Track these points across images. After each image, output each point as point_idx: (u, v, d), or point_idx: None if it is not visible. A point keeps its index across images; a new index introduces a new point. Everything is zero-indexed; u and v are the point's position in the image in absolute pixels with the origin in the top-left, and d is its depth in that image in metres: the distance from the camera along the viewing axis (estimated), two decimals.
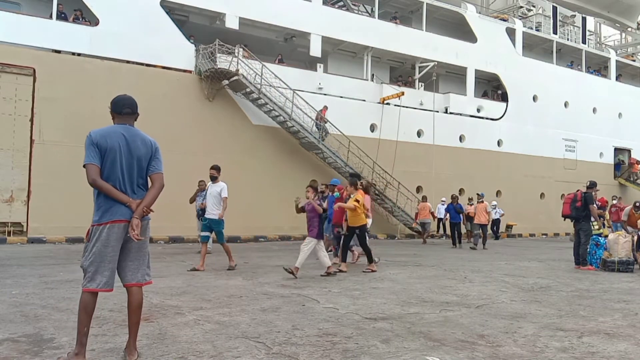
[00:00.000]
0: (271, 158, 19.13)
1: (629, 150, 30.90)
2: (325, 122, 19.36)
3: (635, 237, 11.10)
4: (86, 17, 17.09)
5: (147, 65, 17.41)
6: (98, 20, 16.80)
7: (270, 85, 18.41)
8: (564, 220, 11.73)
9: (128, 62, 17.20)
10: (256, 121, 19.01)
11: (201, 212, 12.83)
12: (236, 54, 18.04)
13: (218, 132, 18.17)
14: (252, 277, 8.52)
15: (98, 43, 16.63)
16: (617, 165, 30.43)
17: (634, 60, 34.33)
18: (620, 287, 8.33)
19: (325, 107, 19.69)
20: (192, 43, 18.33)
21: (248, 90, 18.03)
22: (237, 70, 17.75)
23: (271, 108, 18.28)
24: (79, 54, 16.69)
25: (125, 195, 3.75)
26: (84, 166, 3.68)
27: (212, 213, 9.70)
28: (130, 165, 3.81)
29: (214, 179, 9.93)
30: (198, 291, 7.03)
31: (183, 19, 19.20)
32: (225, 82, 18.05)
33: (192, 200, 13.35)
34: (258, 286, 7.60)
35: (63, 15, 16.63)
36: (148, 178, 3.93)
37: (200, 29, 19.26)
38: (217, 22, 19.21)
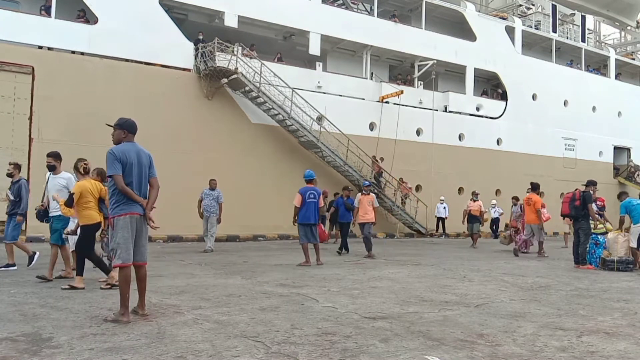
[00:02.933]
0: (270, 157, 19.12)
1: (628, 149, 30.92)
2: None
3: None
4: (86, 16, 17.07)
5: (146, 63, 17.40)
6: (97, 18, 16.77)
7: (269, 84, 18.41)
8: (563, 219, 11.67)
9: (127, 60, 17.19)
10: (255, 120, 19.00)
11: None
12: (235, 53, 18.03)
13: (217, 130, 18.15)
14: (251, 277, 8.51)
15: (97, 41, 16.61)
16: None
17: (634, 59, 34.32)
18: (620, 286, 8.33)
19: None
20: (200, 40, 18.27)
21: (247, 88, 18.01)
22: (236, 68, 17.73)
23: (270, 107, 18.27)
24: (79, 53, 16.67)
25: (139, 197, 5.15)
26: (110, 176, 5.04)
27: (55, 209, 7.78)
28: (140, 173, 5.19)
29: (52, 169, 7.92)
30: (197, 290, 7.01)
31: (182, 17, 19.17)
32: (224, 80, 18.03)
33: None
34: (257, 285, 7.59)
35: (48, 8, 16.33)
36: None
37: (199, 27, 19.23)
38: (216, 20, 19.18)
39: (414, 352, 4.20)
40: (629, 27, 36.89)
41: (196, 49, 18.12)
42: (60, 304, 5.92)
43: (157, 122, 16.51)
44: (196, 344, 4.30)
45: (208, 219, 13.07)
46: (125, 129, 5.23)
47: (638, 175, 30.37)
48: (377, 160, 20.34)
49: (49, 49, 16.30)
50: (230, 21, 18.78)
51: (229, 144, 18.33)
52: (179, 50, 17.95)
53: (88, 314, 5.43)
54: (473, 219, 17.14)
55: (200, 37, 18.39)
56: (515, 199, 16.14)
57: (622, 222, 10.94)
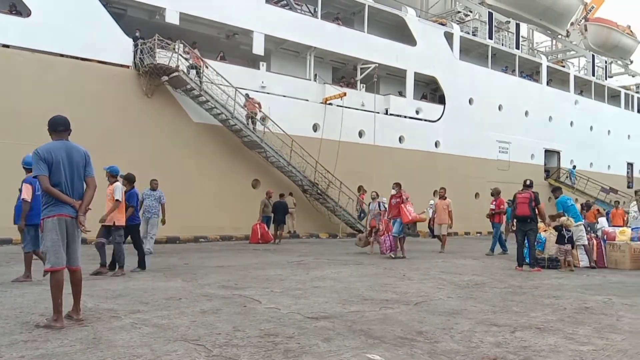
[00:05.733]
0: (212, 156, 18.83)
1: (558, 152, 32.56)
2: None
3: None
4: (18, 8, 16.23)
5: (82, 59, 16.73)
6: (30, 11, 15.98)
7: (212, 83, 18.13)
8: (517, 221, 10.92)
9: (62, 55, 16.46)
10: (197, 119, 18.65)
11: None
12: (176, 50, 17.65)
13: (157, 129, 17.69)
14: (192, 279, 8.36)
15: (30, 35, 15.81)
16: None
17: (564, 66, 36.19)
18: (550, 283, 8.76)
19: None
20: (138, 37, 17.72)
21: (189, 87, 17.67)
22: (177, 66, 17.37)
23: (213, 106, 18.00)
24: (7, 46, 15.80)
25: (70, 197, 4.90)
26: (36, 177, 4.87)
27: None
28: (71, 173, 4.94)
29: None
30: (135, 294, 6.82)
31: (121, 12, 18.56)
32: (165, 78, 17.61)
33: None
34: (198, 288, 7.46)
35: None
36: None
37: (139, 23, 18.70)
38: (156, 16, 18.71)
39: (355, 351, 4.26)
40: (559, 36, 38.84)
41: (135, 45, 17.59)
42: None
43: (93, 120, 15.91)
44: (134, 349, 4.18)
45: (149, 220, 12.71)
46: (48, 126, 5.04)
47: (567, 177, 32.06)
48: (250, 98, 19.02)
49: None
50: (172, 18, 18.35)
51: (170, 143, 17.91)
52: (118, 46, 17.36)
53: (18, 319, 5.18)
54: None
55: (137, 34, 17.85)
56: (376, 193, 15.08)
57: (559, 217, 11.14)
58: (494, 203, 14.81)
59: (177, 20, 18.43)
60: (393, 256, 12.62)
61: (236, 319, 5.35)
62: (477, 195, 27.02)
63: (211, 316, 5.48)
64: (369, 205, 15.88)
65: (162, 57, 17.21)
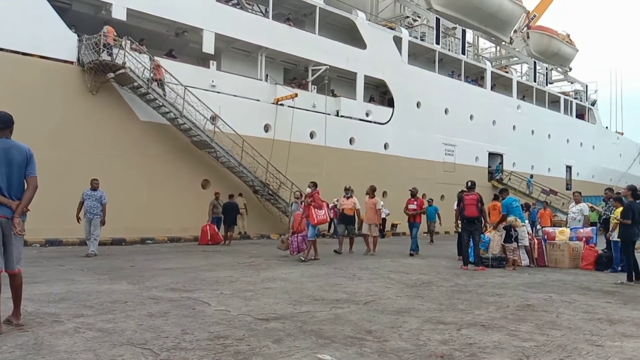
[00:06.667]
0: (160, 156, 18.41)
1: (501, 155, 33.73)
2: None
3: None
4: None
5: (24, 54, 16.00)
6: None
7: (160, 81, 17.74)
8: (465, 222, 11.17)
9: (2, 49, 15.67)
10: (144, 117, 18.19)
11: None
12: (123, 46, 17.16)
13: (102, 127, 17.14)
14: (139, 281, 8.16)
15: None
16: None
17: (507, 72, 37.53)
18: (494, 281, 9.07)
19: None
20: (74, 33, 17.12)
21: (135, 84, 17.22)
22: (124, 63, 16.90)
23: (161, 104, 17.61)
24: None
25: (5, 198, 4.65)
26: None
27: None
28: (9, 172, 4.68)
29: None
30: (78, 297, 6.60)
31: (65, 6, 17.89)
32: (111, 75, 17.09)
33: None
34: (145, 290, 7.29)
35: None
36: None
37: (84, 18, 18.08)
38: (102, 12, 18.12)
39: (306, 352, 4.28)
40: (503, 43, 40.26)
41: (80, 41, 16.99)
42: None
43: (35, 117, 15.27)
44: (77, 354, 4.06)
45: (91, 221, 12.32)
46: None
47: (510, 179, 33.25)
48: (159, 66, 18.00)
49: None
50: (118, 14, 17.82)
51: (116, 141, 17.39)
52: (61, 42, 16.70)
53: None
54: (346, 218, 14.47)
55: (73, 30, 17.10)
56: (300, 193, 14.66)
57: (503, 219, 11.51)
58: (414, 203, 14.41)
59: (124, 16, 17.91)
60: (303, 259, 11.71)
61: (185, 322, 5.26)
62: (424, 196, 27.53)
63: (159, 319, 5.37)
64: (291, 205, 15.37)
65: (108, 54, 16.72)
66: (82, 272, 9.33)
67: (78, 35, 17.07)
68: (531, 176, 34.21)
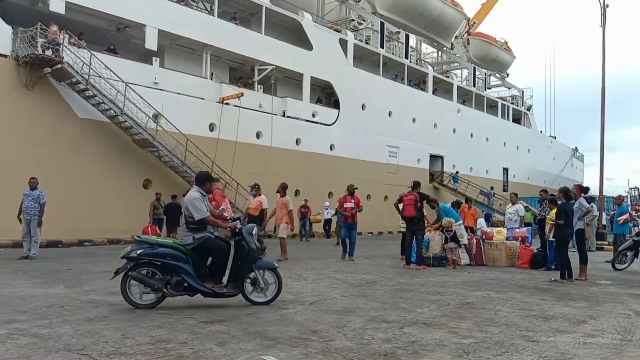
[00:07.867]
0: (99, 154, 17.79)
1: (442, 157, 34.68)
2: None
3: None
4: None
5: None
6: None
7: (100, 77, 17.13)
8: (405, 221, 11.39)
9: None
10: (82, 114, 17.53)
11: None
12: (61, 40, 16.46)
13: (38, 124, 16.38)
14: (76, 285, 7.86)
15: None
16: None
17: (448, 77, 38.65)
18: (435, 280, 9.31)
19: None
20: (7, 25, 16.25)
21: (74, 80, 16.56)
22: (62, 58, 16.22)
23: (100, 101, 17.00)
24: None
25: None
26: None
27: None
28: None
29: None
30: (10, 302, 6.29)
31: None
32: (48, 69, 16.37)
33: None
34: (83, 294, 7.04)
35: None
36: None
37: (19, 10, 17.21)
38: (39, 4, 17.32)
39: (250, 353, 4.25)
40: (445, 48, 41.45)
41: (14, 34, 16.16)
42: None
43: None
44: None
45: (29, 222, 11.79)
46: None
47: (450, 181, 34.25)
48: (52, 25, 16.47)
49: None
50: (56, 6, 17.05)
51: (52, 139, 16.66)
52: None
53: None
54: (252, 220, 12.00)
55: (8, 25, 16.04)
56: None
57: (438, 221, 12.17)
58: (351, 201, 13.22)
59: (62, 10, 17.18)
60: None
61: (125, 326, 5.12)
62: (369, 197, 27.99)
63: (97, 324, 5.20)
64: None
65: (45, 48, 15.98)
66: (15, 275, 8.90)
67: (12, 28, 16.25)
68: (457, 172, 35.26)
